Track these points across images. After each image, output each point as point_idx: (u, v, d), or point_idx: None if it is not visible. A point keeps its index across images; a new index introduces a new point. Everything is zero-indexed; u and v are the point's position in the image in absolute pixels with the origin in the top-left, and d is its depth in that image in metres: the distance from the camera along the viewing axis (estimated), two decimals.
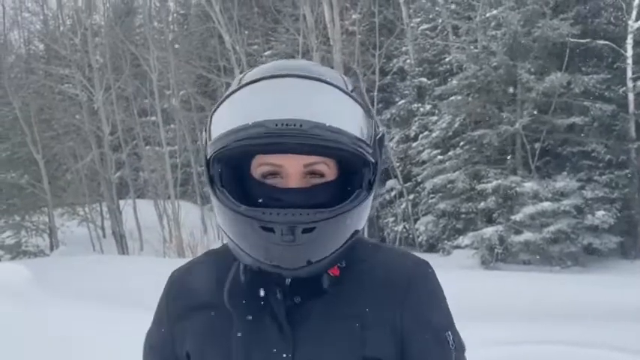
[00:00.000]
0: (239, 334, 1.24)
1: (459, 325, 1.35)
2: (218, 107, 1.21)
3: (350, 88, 1.24)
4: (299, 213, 1.13)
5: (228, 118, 1.16)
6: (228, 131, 1.14)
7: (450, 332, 1.29)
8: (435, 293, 1.33)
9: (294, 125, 1.10)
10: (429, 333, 1.27)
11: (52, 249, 24.27)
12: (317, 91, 1.16)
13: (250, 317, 1.24)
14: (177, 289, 1.36)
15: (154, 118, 25.10)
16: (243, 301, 1.25)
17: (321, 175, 1.21)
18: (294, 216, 1.13)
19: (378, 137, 1.26)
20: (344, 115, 1.17)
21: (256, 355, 1.22)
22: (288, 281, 1.24)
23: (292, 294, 1.24)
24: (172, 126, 26.31)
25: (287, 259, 1.17)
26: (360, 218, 1.23)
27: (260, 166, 1.20)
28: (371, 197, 1.24)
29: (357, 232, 1.24)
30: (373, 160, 1.21)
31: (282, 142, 1.12)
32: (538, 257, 16.39)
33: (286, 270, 1.19)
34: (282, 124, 1.10)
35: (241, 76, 1.26)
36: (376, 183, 1.24)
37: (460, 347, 1.30)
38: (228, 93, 1.20)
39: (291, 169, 1.18)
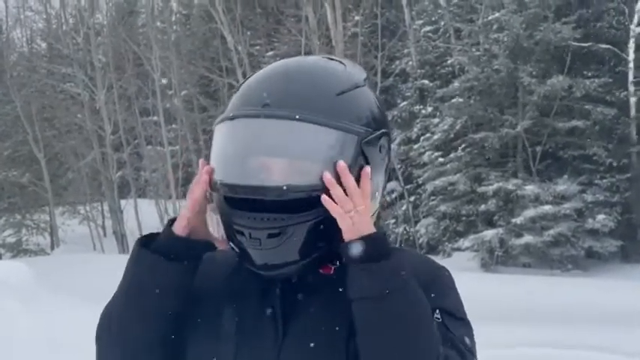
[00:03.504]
0: (233, 326, 1.25)
1: None
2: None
3: (348, 84, 1.26)
4: (261, 218, 1.17)
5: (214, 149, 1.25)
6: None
7: (437, 309, 1.23)
8: (449, 295, 1.30)
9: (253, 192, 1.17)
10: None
11: (52, 247, 24.30)
12: (282, 137, 1.17)
13: (247, 309, 1.26)
14: (201, 268, 1.35)
15: (155, 118, 25.12)
16: (246, 293, 1.28)
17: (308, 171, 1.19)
18: (256, 221, 1.17)
19: (372, 137, 1.25)
20: (308, 158, 1.17)
21: (245, 348, 1.23)
22: (294, 278, 1.26)
23: (296, 290, 1.26)
24: (174, 126, 26.30)
25: (257, 261, 1.21)
26: None
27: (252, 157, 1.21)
28: None
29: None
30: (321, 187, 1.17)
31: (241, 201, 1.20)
32: (538, 260, 16.40)
33: (261, 268, 1.22)
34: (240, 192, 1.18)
35: (242, 82, 1.33)
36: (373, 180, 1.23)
37: (453, 325, 1.24)
38: (218, 120, 1.26)
39: (274, 168, 1.18)
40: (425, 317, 1.15)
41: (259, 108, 1.19)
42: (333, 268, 1.27)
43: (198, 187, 1.23)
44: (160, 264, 1.22)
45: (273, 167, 1.17)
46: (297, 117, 1.15)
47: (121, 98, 23.92)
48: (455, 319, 1.25)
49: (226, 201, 1.22)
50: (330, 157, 1.17)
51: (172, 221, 1.28)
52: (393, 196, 21.58)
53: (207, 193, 1.25)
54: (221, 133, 1.25)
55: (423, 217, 20.00)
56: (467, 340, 1.24)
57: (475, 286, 9.60)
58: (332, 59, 1.33)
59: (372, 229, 1.16)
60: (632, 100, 17.09)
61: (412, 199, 20.80)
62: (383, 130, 1.28)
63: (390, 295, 1.12)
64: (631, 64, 16.97)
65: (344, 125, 1.19)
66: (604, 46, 17.35)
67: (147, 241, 1.26)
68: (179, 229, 1.25)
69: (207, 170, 1.23)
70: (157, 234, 1.29)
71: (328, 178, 1.15)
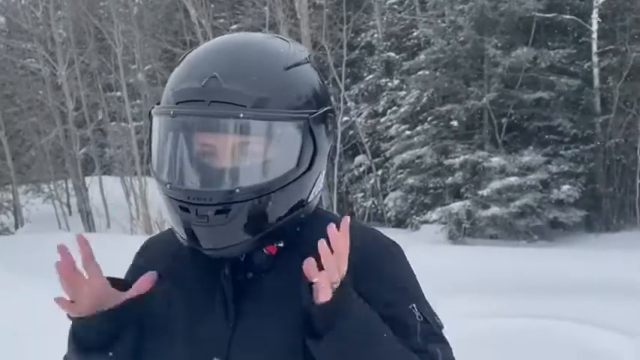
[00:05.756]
0: (183, 308, 1.26)
1: (428, 299, 1.32)
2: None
3: (295, 60, 1.24)
4: (209, 195, 1.15)
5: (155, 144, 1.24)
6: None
7: (414, 305, 1.24)
8: (398, 269, 1.30)
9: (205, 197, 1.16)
10: (388, 309, 1.21)
11: (17, 227, 23.97)
12: (227, 136, 1.15)
13: (197, 292, 1.26)
14: (143, 251, 1.41)
15: (119, 94, 24.70)
16: (193, 276, 1.28)
17: (256, 155, 1.18)
18: (203, 198, 1.15)
19: (318, 115, 1.22)
20: (257, 155, 1.17)
21: (198, 328, 1.23)
22: (242, 257, 1.25)
23: (245, 270, 1.25)
24: (138, 101, 25.90)
25: (204, 239, 1.18)
26: (290, 198, 1.22)
27: (196, 144, 1.19)
28: (305, 175, 1.22)
29: (292, 210, 1.23)
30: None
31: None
32: (505, 231, 16.56)
33: (207, 250, 1.20)
34: (190, 198, 1.16)
35: (184, 55, 1.29)
36: (317, 161, 1.23)
37: (432, 321, 1.25)
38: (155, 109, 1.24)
39: (219, 148, 1.16)
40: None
41: (203, 90, 1.15)
42: (276, 247, 1.26)
43: (63, 280, 1.17)
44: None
45: (222, 168, 1.16)
46: (242, 115, 1.13)
47: (83, 74, 23.48)
48: (424, 304, 1.27)
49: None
50: (282, 151, 1.18)
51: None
52: (361, 169, 21.62)
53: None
54: (160, 127, 1.22)
55: (391, 190, 20.08)
56: (437, 319, 1.27)
57: (444, 259, 9.67)
58: (276, 37, 1.32)
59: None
60: (596, 70, 17.23)
61: (380, 172, 20.85)
62: (328, 108, 1.26)
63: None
64: (594, 35, 17.07)
65: (291, 114, 1.18)
66: (568, 16, 17.42)
67: (76, 336, 1.21)
68: (83, 309, 1.18)
69: (67, 261, 1.17)
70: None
71: (325, 248, 1.09)
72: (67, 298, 1.17)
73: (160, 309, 1.27)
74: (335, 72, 20.06)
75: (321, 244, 1.08)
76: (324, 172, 1.29)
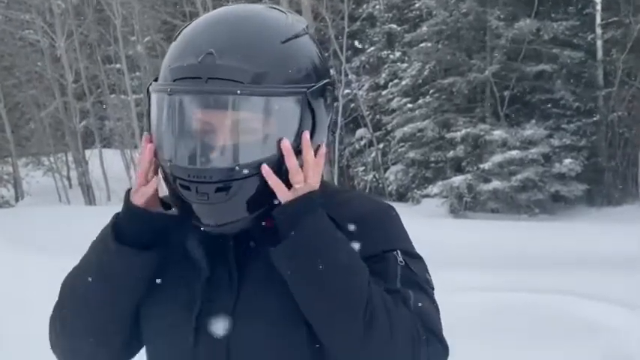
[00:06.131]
0: (185, 275, 1.27)
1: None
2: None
3: (292, 32, 1.23)
4: (209, 173, 1.15)
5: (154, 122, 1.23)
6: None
7: (398, 250, 1.24)
8: (390, 228, 1.31)
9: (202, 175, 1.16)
10: (376, 261, 1.22)
11: (17, 200, 23.98)
12: (226, 113, 1.15)
13: (199, 259, 1.27)
14: None
15: (118, 66, 24.52)
16: (195, 244, 1.28)
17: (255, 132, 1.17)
18: (204, 176, 1.15)
19: (316, 88, 1.22)
20: (256, 132, 1.17)
21: (205, 296, 1.24)
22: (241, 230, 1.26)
23: (248, 239, 1.26)
24: (138, 73, 25.76)
25: (205, 216, 1.19)
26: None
27: (194, 122, 1.19)
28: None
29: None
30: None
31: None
32: (506, 205, 16.55)
33: (207, 227, 1.20)
34: (190, 175, 1.16)
35: (180, 29, 1.27)
36: (317, 134, 1.23)
37: (422, 276, 1.25)
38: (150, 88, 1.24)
39: (218, 125, 1.16)
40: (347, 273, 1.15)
41: (199, 66, 1.14)
42: (274, 221, 1.25)
43: (143, 161, 1.24)
44: (133, 257, 1.23)
45: (221, 146, 1.16)
46: (239, 92, 1.13)
47: (82, 45, 23.30)
48: (413, 258, 1.26)
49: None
50: (280, 126, 1.17)
51: (129, 191, 1.28)
52: (362, 143, 21.56)
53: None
54: (159, 105, 1.21)
55: (392, 164, 20.04)
56: (427, 276, 1.28)
57: (445, 233, 9.66)
58: (274, 8, 1.30)
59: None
60: (599, 43, 17.10)
61: (381, 146, 20.79)
62: (327, 80, 1.25)
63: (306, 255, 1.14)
64: (598, 7, 16.94)
65: (289, 89, 1.17)
66: None
67: (116, 227, 1.25)
68: (137, 199, 1.25)
69: (150, 149, 1.23)
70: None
71: (287, 146, 1.16)
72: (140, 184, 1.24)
73: (160, 275, 1.28)
74: (336, 44, 19.89)
75: (284, 142, 1.15)
76: (324, 145, 1.27)
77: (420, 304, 1.18)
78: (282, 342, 1.21)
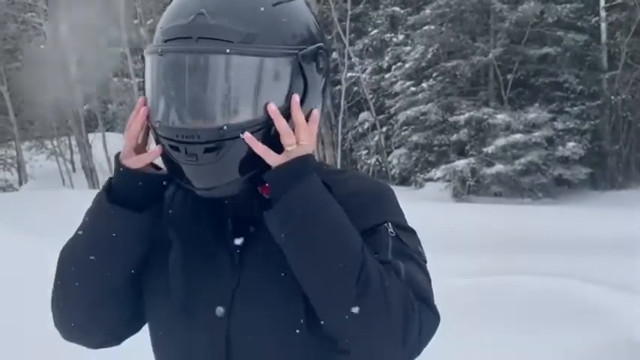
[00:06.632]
0: (186, 259, 1.27)
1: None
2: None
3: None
4: (197, 133, 1.14)
5: (147, 84, 1.23)
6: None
7: (389, 222, 1.24)
8: (384, 204, 1.30)
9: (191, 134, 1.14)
10: (369, 234, 1.21)
11: (20, 183, 24.03)
12: (216, 73, 1.14)
13: (200, 244, 1.27)
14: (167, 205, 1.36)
15: (121, 49, 24.51)
16: (196, 228, 1.28)
17: (244, 93, 1.17)
18: (192, 135, 1.14)
19: (308, 51, 1.21)
20: (246, 93, 1.15)
21: (201, 280, 1.25)
22: (238, 199, 1.26)
23: (248, 224, 1.26)
24: (140, 57, 25.74)
25: (195, 178, 1.19)
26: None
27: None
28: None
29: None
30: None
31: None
32: (509, 189, 16.54)
33: (200, 190, 1.20)
34: (179, 136, 1.15)
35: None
36: (308, 98, 1.21)
37: (407, 238, 1.24)
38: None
39: (206, 85, 1.15)
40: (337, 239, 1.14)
41: (189, 26, 1.14)
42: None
43: (135, 123, 1.22)
44: (128, 218, 1.22)
45: (210, 106, 1.15)
46: (228, 51, 1.12)
47: (84, 29, 23.20)
48: (406, 231, 1.26)
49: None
50: (270, 87, 1.16)
51: (118, 155, 1.27)
52: (365, 126, 21.52)
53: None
54: (151, 67, 1.21)
55: (395, 147, 20.02)
56: (420, 248, 1.27)
57: (448, 216, 9.66)
58: None
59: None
60: (603, 25, 17.01)
61: (384, 129, 20.76)
62: (319, 44, 1.24)
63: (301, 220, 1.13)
64: None
65: (279, 50, 1.17)
66: None
67: (110, 190, 1.25)
68: (131, 163, 1.23)
69: (144, 111, 1.21)
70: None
71: (273, 109, 1.15)
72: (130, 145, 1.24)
73: (161, 259, 1.28)
74: (339, 27, 19.81)
75: (270, 106, 1.14)
76: (318, 111, 1.25)
77: (411, 274, 1.17)
78: (282, 327, 1.21)
